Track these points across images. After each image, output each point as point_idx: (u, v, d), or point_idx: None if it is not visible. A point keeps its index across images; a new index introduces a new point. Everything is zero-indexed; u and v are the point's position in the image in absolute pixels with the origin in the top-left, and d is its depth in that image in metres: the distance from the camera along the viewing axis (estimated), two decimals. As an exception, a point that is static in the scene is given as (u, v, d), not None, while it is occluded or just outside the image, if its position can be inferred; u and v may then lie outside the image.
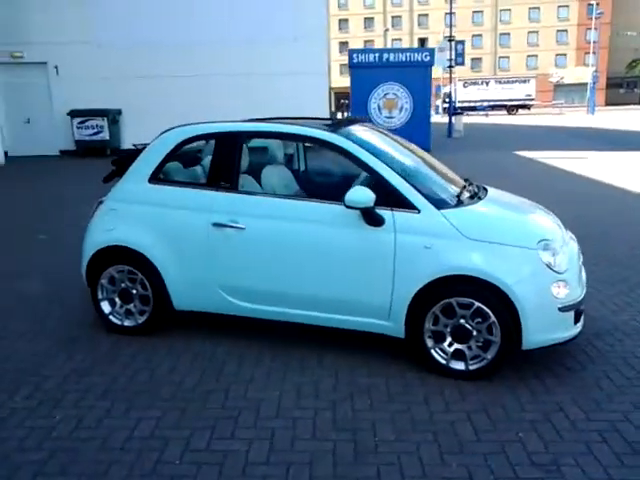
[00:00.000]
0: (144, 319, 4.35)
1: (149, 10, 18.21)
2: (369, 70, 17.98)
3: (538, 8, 76.15)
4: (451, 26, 26.54)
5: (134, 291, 4.33)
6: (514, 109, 52.15)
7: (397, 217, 3.66)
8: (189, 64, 18.17)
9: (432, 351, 3.71)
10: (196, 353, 4.10)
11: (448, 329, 3.66)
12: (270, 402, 3.44)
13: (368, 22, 79.77)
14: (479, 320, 3.57)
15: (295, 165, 5.28)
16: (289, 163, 5.16)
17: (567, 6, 75.38)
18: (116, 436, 3.12)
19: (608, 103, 71.72)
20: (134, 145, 4.72)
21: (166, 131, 4.37)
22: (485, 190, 4.38)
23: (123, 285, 4.35)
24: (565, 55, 76.73)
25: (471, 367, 3.65)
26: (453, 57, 26.12)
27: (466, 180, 4.58)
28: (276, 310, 4.03)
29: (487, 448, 2.97)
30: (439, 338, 3.70)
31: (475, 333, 3.60)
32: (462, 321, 3.61)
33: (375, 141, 4.29)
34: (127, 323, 4.40)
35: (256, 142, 4.85)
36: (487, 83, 53.00)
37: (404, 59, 18.00)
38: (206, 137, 4.28)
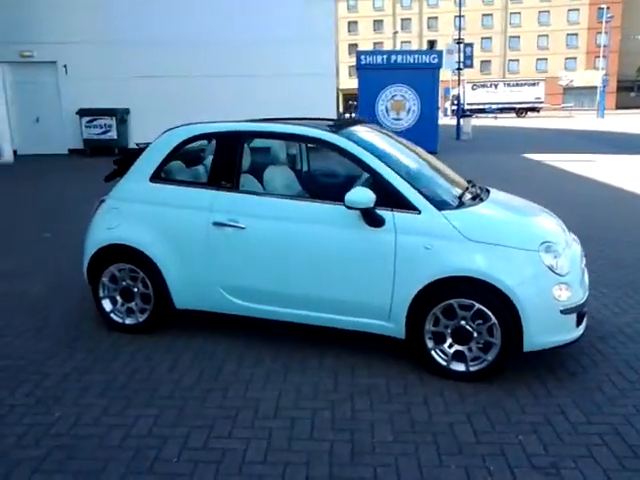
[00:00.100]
0: (145, 317, 4.36)
1: (158, 10, 18.29)
2: (377, 72, 17.97)
3: (548, 11, 75.96)
4: (460, 28, 26.48)
5: (135, 289, 4.34)
6: (523, 112, 51.98)
7: (397, 218, 3.65)
8: (197, 64, 18.22)
9: (432, 352, 3.69)
10: (196, 352, 4.09)
11: (449, 330, 3.64)
12: (269, 402, 3.43)
13: (377, 24, 79.80)
14: (480, 322, 3.55)
15: (298, 165, 5.28)
16: (291, 163, 5.15)
17: (577, 10, 75.15)
18: (114, 434, 3.11)
19: (618, 106, 71.38)
20: (137, 144, 4.74)
21: (168, 130, 4.38)
22: (487, 191, 4.35)
23: (124, 283, 4.36)
24: (575, 58, 76.46)
25: (471, 369, 3.62)
26: (462, 59, 26.05)
27: (469, 181, 4.56)
28: (277, 310, 4.02)
29: (486, 450, 2.95)
30: (439, 339, 3.68)
31: (476, 335, 3.58)
32: (463, 322, 3.59)
33: (377, 142, 4.28)
34: (128, 321, 4.40)
35: (259, 142, 4.85)
36: (496, 86, 52.84)
37: (412, 61, 17.98)
38: (207, 137, 4.28)
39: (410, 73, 17.89)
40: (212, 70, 18.14)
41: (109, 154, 17.43)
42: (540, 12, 76.28)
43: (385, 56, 18.23)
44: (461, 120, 25.24)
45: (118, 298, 4.41)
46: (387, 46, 72.81)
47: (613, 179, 12.19)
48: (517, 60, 77.93)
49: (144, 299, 4.34)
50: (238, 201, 4.03)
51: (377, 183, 3.76)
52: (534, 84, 52.32)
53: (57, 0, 18.28)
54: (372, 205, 3.60)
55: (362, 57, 18.16)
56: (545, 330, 3.53)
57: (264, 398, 3.48)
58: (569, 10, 75.45)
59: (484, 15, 77.42)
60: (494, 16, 77.53)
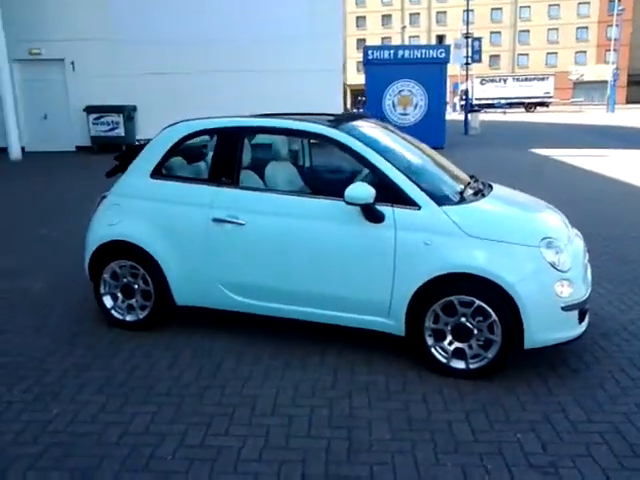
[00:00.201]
0: (145, 314, 4.35)
1: (165, 7, 18.29)
2: (384, 67, 17.88)
3: (558, 5, 75.35)
4: (468, 23, 26.31)
5: (136, 286, 4.33)
6: (532, 107, 51.63)
7: (397, 213, 3.62)
8: (203, 61, 18.21)
9: (432, 349, 3.66)
10: (195, 349, 4.09)
11: (449, 327, 3.61)
12: (266, 399, 3.41)
13: (386, 19, 79.49)
14: (480, 319, 3.52)
15: (300, 161, 5.25)
16: (294, 159, 5.13)
17: (588, 3, 74.48)
18: (111, 431, 3.11)
19: (629, 101, 70.80)
20: (138, 140, 4.73)
21: (168, 126, 4.37)
22: (490, 187, 4.31)
23: (125, 280, 4.35)
24: (585, 52, 75.82)
25: (471, 366, 3.59)
26: (470, 54, 25.89)
27: (472, 177, 4.51)
28: (276, 307, 4.00)
29: (484, 448, 2.92)
30: (439, 336, 3.64)
31: (476, 332, 3.55)
32: (463, 319, 3.55)
33: (378, 137, 4.25)
34: (129, 318, 4.40)
35: (260, 138, 4.83)
36: (505, 80, 52.50)
37: (419, 56, 17.88)
38: (208, 132, 4.25)
39: (417, 68, 17.79)
40: (219, 66, 18.12)
41: (116, 151, 17.42)
42: (550, 5, 75.68)
43: (392, 51, 18.14)
44: (469, 115, 25.10)
45: (119, 295, 4.41)
46: (395, 41, 72.52)
47: (622, 174, 12.08)
48: (527, 54, 77.38)
49: (145, 296, 4.34)
50: (238, 197, 4.01)
51: (377, 178, 3.74)
52: (543, 79, 51.93)
53: (65, -2, 18.33)
54: (372, 201, 3.57)
55: (369, 52, 18.09)
56: (546, 327, 3.49)
57: (262, 395, 3.46)
58: (579, 3, 74.80)
59: (493, 9, 76.92)
60: (503, 10, 77.02)
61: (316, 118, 4.27)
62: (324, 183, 4.81)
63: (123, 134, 18.33)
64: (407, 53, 17.96)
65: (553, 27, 76.33)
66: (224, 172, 4.07)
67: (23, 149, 17.55)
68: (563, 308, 3.48)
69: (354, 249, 3.70)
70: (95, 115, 18.37)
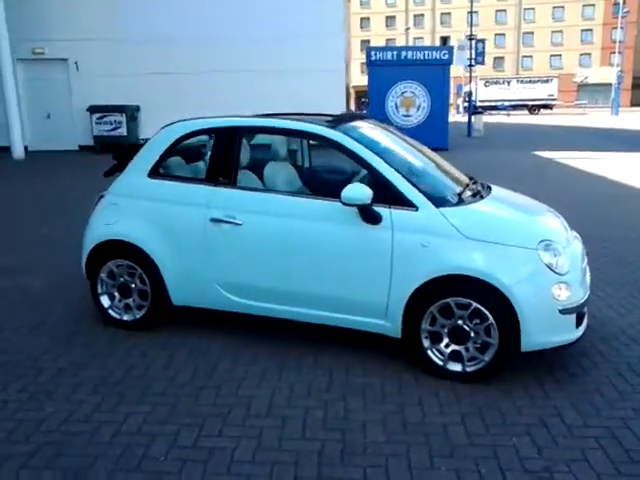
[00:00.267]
0: (142, 314, 4.34)
1: (168, 7, 18.31)
2: (387, 68, 17.85)
3: (562, 7, 75.20)
4: (471, 24, 26.26)
5: (133, 285, 4.32)
6: (536, 109, 51.53)
7: (395, 215, 3.60)
8: (206, 61, 18.23)
9: (429, 352, 3.64)
10: (192, 349, 4.07)
11: (445, 330, 3.58)
12: (262, 400, 3.40)
13: (390, 20, 79.43)
14: (477, 321, 3.49)
15: (299, 162, 5.23)
16: (293, 160, 5.11)
17: (592, 5, 74.31)
18: (104, 430, 3.10)
19: (633, 104, 70.58)
20: (138, 140, 4.72)
21: (166, 126, 4.36)
22: (489, 189, 4.29)
23: (122, 279, 4.34)
24: (590, 55, 75.65)
25: (468, 369, 3.57)
26: (473, 56, 25.86)
27: (471, 178, 4.49)
28: (273, 307, 3.98)
29: (479, 452, 2.90)
30: (436, 339, 3.62)
31: (473, 334, 3.52)
32: (460, 322, 3.53)
33: (376, 137, 4.24)
34: (126, 317, 4.39)
35: (259, 139, 4.82)
36: (509, 82, 52.40)
37: (422, 57, 17.84)
38: (205, 132, 4.24)
39: (420, 69, 17.76)
40: (221, 66, 18.15)
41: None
42: (554, 8, 75.54)
43: (395, 52, 18.11)
44: (472, 117, 25.04)
45: (116, 294, 4.40)
46: (399, 42, 72.51)
47: (625, 177, 12.03)
48: (531, 56, 77.25)
49: (141, 295, 4.33)
50: (235, 197, 4.00)
51: (374, 179, 3.72)
52: (547, 81, 51.81)
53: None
54: (369, 202, 3.56)
55: (372, 53, 18.06)
56: (543, 330, 3.47)
57: (257, 396, 3.45)
58: (584, 5, 74.64)
59: (498, 11, 76.80)
60: (508, 12, 76.89)
61: (314, 118, 4.26)
62: (323, 184, 4.79)
63: (126, 134, 18.33)
64: (410, 54, 17.92)
65: (557, 29, 76.17)
66: (221, 172, 4.05)
67: (26, 148, 17.57)
68: (560, 311, 3.45)
69: (351, 250, 3.69)
70: (98, 115, 18.38)
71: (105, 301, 4.42)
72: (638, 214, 8.45)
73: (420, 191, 3.63)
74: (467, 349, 3.56)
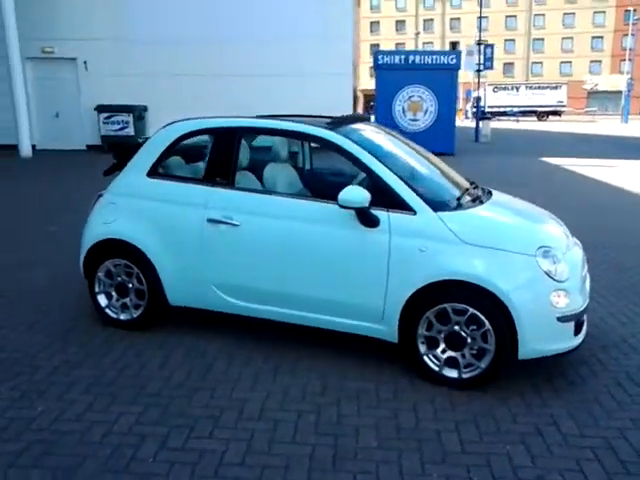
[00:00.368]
0: (139, 313, 4.32)
1: (177, 9, 18.35)
2: (395, 72, 17.81)
3: (573, 14, 74.99)
4: (480, 29, 26.23)
5: (130, 285, 4.31)
6: (544, 115, 51.33)
7: (392, 218, 3.57)
8: (214, 63, 18.25)
9: (425, 357, 3.60)
10: (188, 350, 4.05)
11: (442, 335, 3.55)
12: (255, 403, 3.37)
13: (400, 25, 79.46)
14: (474, 327, 3.45)
15: (299, 164, 5.20)
16: (294, 162, 5.08)
17: (603, 12, 74.04)
18: (95, 430, 3.08)
19: (643, 112, 70.17)
20: (139, 139, 4.71)
21: (166, 125, 4.35)
22: (489, 193, 4.25)
23: (119, 279, 4.33)
24: (600, 62, 75.37)
25: (464, 375, 3.53)
26: (482, 61, 25.78)
27: (472, 183, 4.45)
28: (269, 309, 3.96)
29: (471, 460, 2.86)
30: (432, 344, 3.58)
31: (469, 340, 3.48)
32: (456, 328, 3.49)
33: (376, 140, 4.21)
34: (123, 317, 4.37)
35: (261, 140, 4.80)
36: (517, 88, 52.19)
37: (430, 62, 17.79)
38: (204, 132, 4.21)
39: (428, 74, 17.72)
40: (228, 69, 18.17)
41: (125, 150, 17.49)
42: (565, 14, 75.33)
43: (403, 56, 18.08)
44: (480, 122, 24.96)
45: (113, 293, 4.39)
46: (409, 47, 72.40)
47: (632, 185, 11.94)
48: (540, 63, 77.02)
49: (139, 295, 4.31)
50: (233, 198, 3.98)
51: (372, 182, 3.69)
52: (556, 87, 51.57)
53: (78, -3, 18.45)
54: (367, 205, 3.53)
55: (380, 57, 18.04)
56: (541, 338, 3.42)
57: (251, 399, 3.42)
58: (595, 12, 74.39)
59: (508, 17, 76.64)
60: (518, 18, 76.73)
61: (315, 120, 4.23)
62: (323, 186, 4.76)
63: (133, 133, 18.36)
64: (418, 59, 17.88)
65: (568, 36, 75.94)
66: (220, 172, 4.04)
67: (34, 147, 17.64)
68: (559, 319, 3.41)
69: (348, 253, 3.65)
70: (106, 114, 18.43)
71: (102, 300, 4.41)
72: (644, 222, 8.37)
73: (418, 195, 3.60)
74: (463, 355, 3.52)
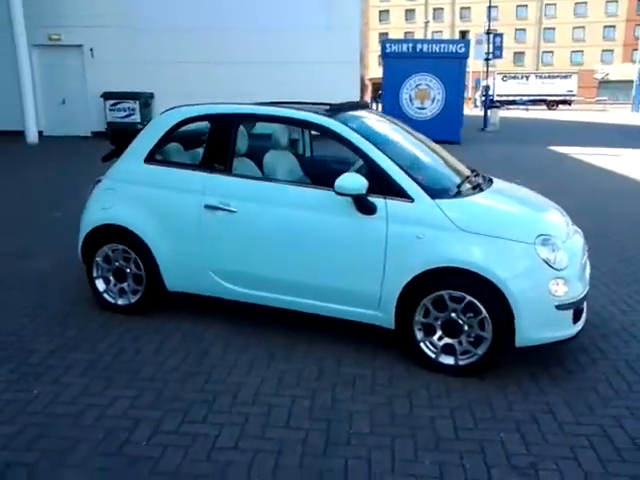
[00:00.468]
0: (137, 298, 4.32)
1: (183, -5, 18.27)
2: (402, 60, 17.66)
3: (585, 3, 74.12)
4: (490, 18, 25.96)
5: (128, 270, 4.30)
6: (554, 104, 50.91)
7: (390, 206, 3.53)
8: (220, 50, 18.14)
9: (421, 344, 3.58)
10: (185, 335, 4.05)
11: (439, 322, 3.52)
12: (249, 388, 3.36)
13: (409, 14, 78.77)
14: (471, 315, 3.43)
15: (300, 151, 5.17)
16: (293, 149, 5.05)
17: (616, 1, 73.13)
18: (89, 414, 3.08)
19: (655, 101, 69.38)
20: (138, 126, 4.70)
21: (165, 111, 4.32)
22: (490, 181, 4.21)
23: (117, 264, 4.33)
24: (612, 51, 74.54)
25: (461, 362, 3.51)
26: (491, 50, 25.53)
27: (472, 171, 4.41)
28: (266, 295, 3.94)
29: (465, 447, 2.84)
30: (429, 331, 3.56)
31: (466, 328, 3.46)
32: (453, 315, 3.47)
33: (375, 127, 4.17)
34: (120, 302, 4.37)
35: (260, 127, 4.78)
36: (527, 77, 51.73)
37: (438, 50, 17.62)
38: (202, 118, 4.17)
39: (436, 62, 17.56)
40: (235, 56, 18.06)
41: (131, 137, 17.48)
42: (576, 3, 74.45)
43: (410, 45, 17.92)
44: (488, 111, 24.77)
45: (111, 278, 4.39)
46: (418, 36, 71.64)
47: (636, 173, 11.83)
48: (551, 52, 76.25)
49: (136, 280, 4.31)
50: (230, 184, 3.95)
51: (370, 169, 3.66)
52: (566, 77, 51.08)
53: (85, -16, 18.38)
54: (364, 192, 3.50)
55: (387, 45, 17.90)
56: (538, 326, 3.39)
57: (246, 383, 3.41)
58: (607, 1, 73.50)
59: (518, 6, 75.82)
60: (529, 7, 75.90)
61: (313, 107, 4.19)
62: (323, 173, 4.73)
63: (139, 120, 18.30)
64: (425, 47, 17.71)
65: (579, 25, 75.10)
66: (217, 159, 4.01)
67: (41, 133, 17.67)
68: (557, 307, 3.37)
69: (345, 240, 3.63)
70: (112, 101, 18.37)
71: (100, 285, 4.41)
72: (650, 212, 8.29)
73: (416, 182, 3.56)
74: (460, 342, 3.50)
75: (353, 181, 3.49)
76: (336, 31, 17.71)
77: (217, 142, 4.05)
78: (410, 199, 3.52)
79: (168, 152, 4.43)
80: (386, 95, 18.18)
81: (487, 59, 25.83)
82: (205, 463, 2.69)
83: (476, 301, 3.37)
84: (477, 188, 3.92)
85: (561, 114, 41.89)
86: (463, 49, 17.71)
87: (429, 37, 64.98)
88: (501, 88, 49.92)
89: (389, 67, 17.96)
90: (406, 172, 3.59)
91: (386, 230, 3.53)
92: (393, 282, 3.54)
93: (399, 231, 3.50)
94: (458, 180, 3.96)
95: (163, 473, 2.63)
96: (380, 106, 19.88)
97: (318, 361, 3.69)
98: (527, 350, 3.53)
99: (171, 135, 4.26)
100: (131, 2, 18.39)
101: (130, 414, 3.08)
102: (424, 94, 17.90)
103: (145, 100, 18.51)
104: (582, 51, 75.30)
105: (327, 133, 3.78)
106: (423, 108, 17.96)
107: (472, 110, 44.06)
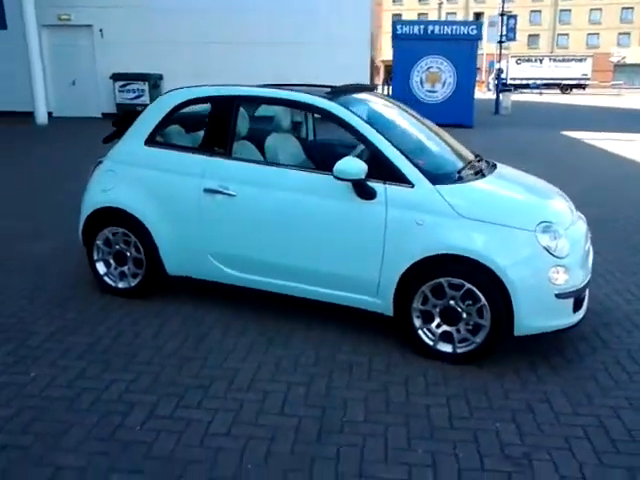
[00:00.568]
0: (137, 282, 4.32)
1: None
2: (413, 42, 17.46)
3: (603, -16, 72.73)
4: (503, 0, 25.52)
5: (128, 253, 4.30)
6: (568, 88, 50.19)
7: (389, 191, 3.49)
8: (231, 31, 18.02)
9: (420, 331, 3.55)
10: (184, 319, 4.05)
11: (437, 310, 3.49)
12: (246, 373, 3.35)
13: (423, -6, 77.64)
14: (469, 302, 3.39)
15: (303, 134, 5.12)
16: (296, 132, 5.00)
17: (634, -18, 71.65)
18: (85, 397, 3.09)
19: (671, 85, 68.30)
20: (137, 107, 4.66)
21: (166, 93, 4.29)
22: (493, 166, 4.14)
23: (118, 247, 4.32)
24: (629, 34, 73.21)
25: (458, 350, 3.48)
26: (504, 32, 25.15)
27: (477, 156, 4.34)
28: (264, 280, 3.92)
29: (459, 436, 2.82)
30: (427, 318, 3.53)
31: (465, 315, 3.43)
32: (452, 302, 3.43)
33: (377, 110, 4.12)
34: (121, 285, 4.38)
35: (262, 110, 4.73)
36: (541, 61, 50.98)
37: (450, 32, 17.40)
38: (202, 100, 4.12)
39: (447, 44, 17.35)
40: (245, 37, 17.93)
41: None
42: (594, -16, 73.09)
43: (422, 26, 17.71)
44: (501, 95, 24.47)
45: (111, 261, 4.38)
46: (432, 17, 70.76)
47: (651, 160, 11.67)
48: (567, 34, 75.01)
49: (136, 263, 4.30)
50: (229, 168, 3.92)
51: (370, 153, 3.61)
52: (581, 60, 50.29)
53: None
54: (363, 176, 3.45)
55: (398, 27, 17.69)
56: (538, 314, 3.35)
57: (242, 369, 3.41)
58: (625, -17, 72.04)
59: (535, -13, 74.58)
60: (545, -12, 74.64)
61: (315, 89, 4.13)
62: (325, 157, 4.68)
63: (148, 102, 18.24)
64: (437, 29, 17.50)
65: (596, 7, 73.73)
66: (217, 142, 3.97)
67: (51, 114, 17.68)
68: (557, 295, 3.33)
69: (344, 225, 3.60)
70: (121, 82, 18.36)
71: (101, 268, 4.41)
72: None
73: (417, 167, 3.51)
74: (458, 330, 3.47)
75: (352, 165, 3.44)
76: (345, 11, 17.47)
77: (217, 125, 4.02)
78: (410, 184, 3.47)
79: (169, 134, 4.39)
80: (396, 78, 18.02)
81: (500, 41, 25.46)
82: (197, 449, 2.69)
83: (475, 289, 3.34)
84: (479, 173, 3.86)
85: (575, 98, 41.34)
86: (475, 31, 17.47)
87: (443, 19, 64.11)
88: (515, 71, 49.29)
89: (400, 49, 17.77)
90: (407, 157, 3.54)
91: (385, 216, 3.49)
92: (392, 268, 3.51)
93: (398, 217, 3.46)
94: (460, 165, 3.91)
95: (156, 458, 2.63)
96: (391, 89, 19.64)
97: (316, 347, 3.67)
98: (527, 338, 3.49)
99: (172, 117, 4.23)
100: (141, -18, 18.25)
101: (125, 398, 3.08)
102: (435, 77, 17.71)
103: (154, 81, 18.48)
104: (598, 34, 74.02)
105: (327, 116, 3.74)
106: (434, 91, 17.78)
107: (485, 94, 43.56)
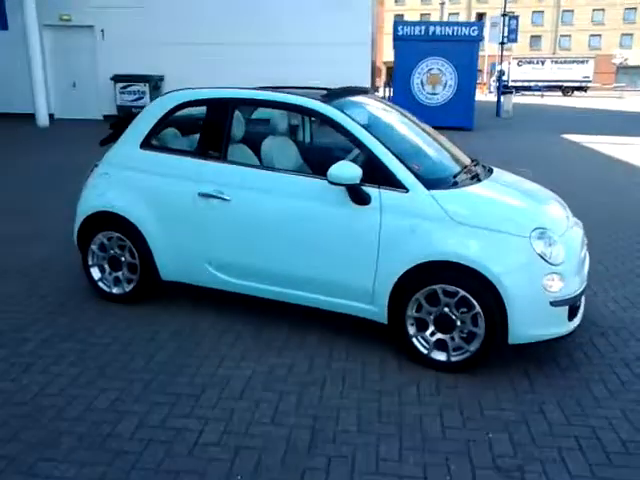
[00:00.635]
0: (131, 287, 4.30)
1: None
2: (414, 44, 17.40)
3: (605, -15, 72.59)
4: (506, 0, 25.47)
5: (123, 258, 4.28)
6: (569, 90, 50.04)
7: (384, 196, 3.46)
8: (231, 33, 17.98)
9: (414, 339, 3.53)
10: (179, 325, 4.02)
11: (431, 317, 3.46)
12: (238, 381, 3.33)
13: (425, -5, 77.58)
14: (464, 310, 3.36)
15: (300, 138, 5.09)
16: (293, 136, 4.97)
17: (637, -17, 71.50)
18: (75, 405, 3.07)
19: (674, 88, 68.11)
20: (133, 110, 4.64)
21: (160, 96, 4.27)
22: (489, 171, 4.12)
23: (112, 252, 4.30)
24: (631, 35, 73.03)
25: (453, 358, 3.45)
26: (505, 33, 25.10)
27: (473, 160, 4.32)
28: (259, 287, 3.90)
29: (451, 447, 2.79)
30: (422, 326, 3.51)
31: (459, 323, 3.40)
32: (446, 310, 3.41)
33: (373, 114, 4.08)
34: (115, 291, 4.35)
35: (258, 113, 4.70)
36: (542, 62, 50.79)
37: (451, 33, 17.33)
38: (198, 103, 4.10)
39: (448, 46, 17.28)
40: (246, 38, 17.87)
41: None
42: (597, -15, 72.95)
43: (423, 27, 17.65)
44: (502, 97, 24.41)
45: (106, 267, 4.36)
46: (434, 18, 70.69)
47: (651, 164, 11.63)
48: (569, 36, 74.86)
49: (131, 269, 4.28)
50: (224, 172, 3.90)
51: (364, 157, 3.59)
52: (583, 62, 50.09)
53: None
54: (357, 181, 3.42)
55: (399, 28, 17.64)
56: (532, 322, 3.32)
57: (235, 377, 3.38)
58: (628, -16, 71.90)
59: (537, -12, 74.48)
60: (547, -11, 74.53)
61: (310, 92, 4.10)
62: (323, 161, 4.66)
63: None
64: (438, 30, 17.43)
65: (599, 8, 73.57)
66: (212, 145, 3.95)
67: (52, 116, 17.66)
68: (552, 303, 3.30)
69: (338, 231, 3.57)
70: (122, 84, 18.32)
71: (95, 273, 4.39)
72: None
73: (412, 172, 3.48)
74: (452, 338, 3.44)
75: (346, 170, 3.42)
76: (348, 12, 17.42)
77: (212, 128, 4.00)
78: (405, 189, 3.45)
79: (165, 137, 4.37)
80: (397, 80, 17.97)
81: (502, 43, 25.41)
82: (186, 459, 2.67)
83: (469, 296, 3.31)
84: (475, 178, 3.83)
85: (576, 101, 41.24)
86: (476, 32, 17.41)
87: (445, 19, 64.04)
88: (516, 73, 49.12)
89: (401, 50, 17.73)
90: (401, 161, 3.51)
91: (380, 221, 3.46)
92: (386, 275, 3.48)
93: (393, 222, 3.44)
94: (456, 170, 3.88)
95: (144, 469, 2.61)
96: (391, 91, 19.61)
97: (310, 354, 3.65)
98: (522, 347, 3.47)
99: (167, 120, 4.20)
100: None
101: (116, 406, 3.06)
102: (436, 79, 17.66)
103: (155, 83, 18.44)
104: (600, 35, 73.85)
105: (321, 119, 3.72)
106: (435, 93, 17.74)
107: (487, 96, 43.52)
